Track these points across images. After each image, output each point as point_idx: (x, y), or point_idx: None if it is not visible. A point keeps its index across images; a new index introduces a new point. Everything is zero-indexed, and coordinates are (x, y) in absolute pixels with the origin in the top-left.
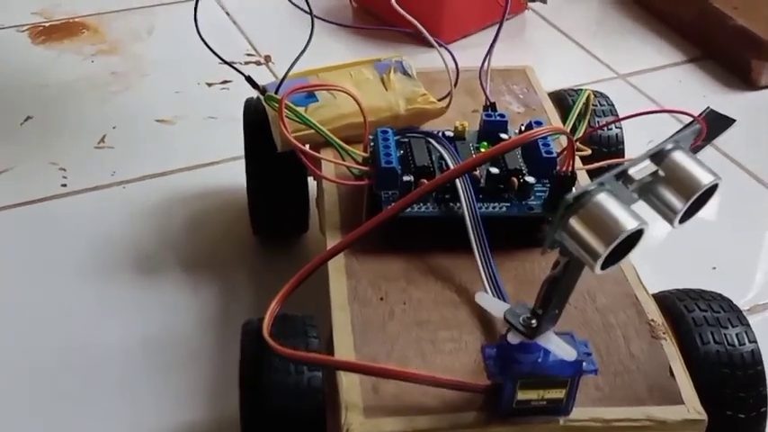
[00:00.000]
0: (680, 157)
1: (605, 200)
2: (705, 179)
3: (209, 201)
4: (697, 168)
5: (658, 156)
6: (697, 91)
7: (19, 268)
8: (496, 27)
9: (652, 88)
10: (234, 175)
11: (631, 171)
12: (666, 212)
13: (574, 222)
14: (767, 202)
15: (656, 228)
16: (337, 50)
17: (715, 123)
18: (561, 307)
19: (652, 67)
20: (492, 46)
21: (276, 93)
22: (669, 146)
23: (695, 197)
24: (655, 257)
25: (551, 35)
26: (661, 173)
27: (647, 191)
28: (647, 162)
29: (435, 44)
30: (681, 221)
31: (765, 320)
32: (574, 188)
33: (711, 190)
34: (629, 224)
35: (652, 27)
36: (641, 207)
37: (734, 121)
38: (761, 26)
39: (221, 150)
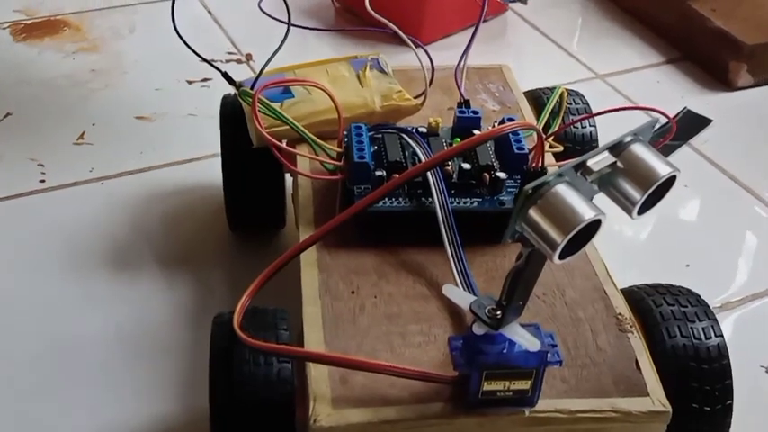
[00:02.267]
0: (638, 150)
1: (564, 191)
2: (663, 171)
3: (187, 197)
4: (655, 160)
5: (617, 148)
6: (675, 91)
7: None
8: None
9: (630, 89)
10: (212, 172)
11: (590, 162)
12: (625, 204)
13: (533, 213)
14: (743, 202)
15: (631, 225)
16: (319, 50)
17: (692, 123)
18: (525, 298)
19: (631, 67)
20: (469, 44)
21: (252, 88)
22: (628, 138)
23: (653, 188)
24: (629, 254)
25: (532, 36)
26: (620, 164)
27: (606, 183)
28: (606, 154)
29: (410, 43)
30: (639, 213)
31: (737, 318)
32: None
33: (669, 182)
34: (587, 214)
35: (632, 29)
36: (602, 200)
37: (710, 121)
38: (739, 28)
39: (200, 147)
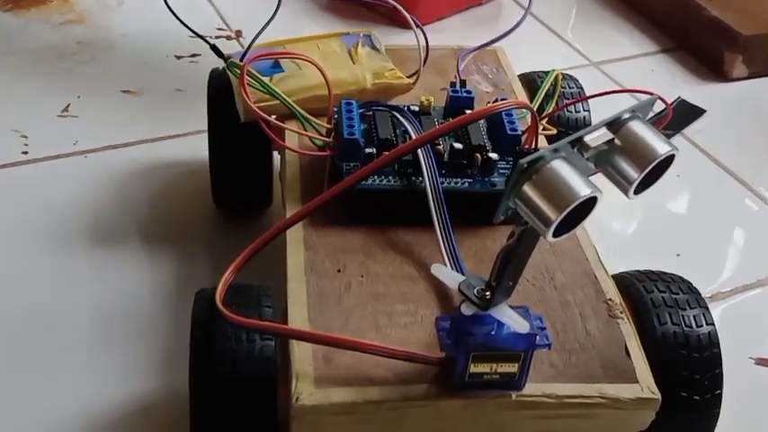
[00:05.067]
0: (637, 127)
1: (560, 166)
2: (661, 149)
3: (172, 173)
4: (654, 138)
5: (615, 124)
6: (669, 81)
7: None
8: (471, 11)
9: (624, 76)
10: (198, 149)
11: (587, 138)
12: (622, 182)
13: (527, 188)
14: (734, 193)
15: (621, 214)
16: (310, 29)
17: (685, 113)
18: (516, 279)
19: (625, 56)
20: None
21: (240, 61)
22: (626, 115)
23: (651, 167)
24: (618, 243)
25: (527, 21)
26: (617, 142)
27: (603, 160)
28: (604, 130)
29: (410, 20)
30: (636, 192)
31: (726, 308)
32: None
33: (668, 161)
34: (583, 191)
35: (628, 17)
36: (599, 179)
37: (704, 111)
38: (734, 19)
39: (186, 123)
